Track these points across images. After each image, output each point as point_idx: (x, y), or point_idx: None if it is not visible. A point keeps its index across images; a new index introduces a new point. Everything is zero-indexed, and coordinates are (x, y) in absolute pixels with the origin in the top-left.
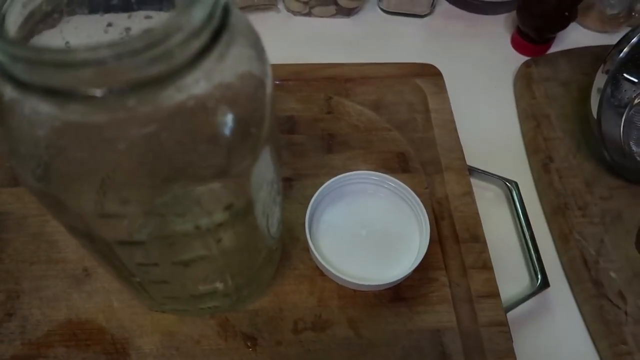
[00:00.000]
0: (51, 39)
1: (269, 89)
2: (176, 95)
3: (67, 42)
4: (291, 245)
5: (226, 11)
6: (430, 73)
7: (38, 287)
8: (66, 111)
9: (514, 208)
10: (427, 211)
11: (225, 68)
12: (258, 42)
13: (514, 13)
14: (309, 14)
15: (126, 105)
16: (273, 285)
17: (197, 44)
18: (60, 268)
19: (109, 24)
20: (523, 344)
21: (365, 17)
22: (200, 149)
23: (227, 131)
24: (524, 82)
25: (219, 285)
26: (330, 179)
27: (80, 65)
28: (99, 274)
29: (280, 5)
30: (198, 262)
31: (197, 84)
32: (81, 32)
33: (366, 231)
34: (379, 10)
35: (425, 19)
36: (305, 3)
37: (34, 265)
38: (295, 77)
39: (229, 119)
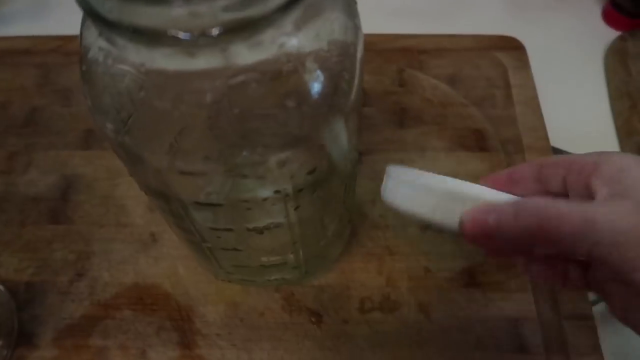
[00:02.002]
0: None
1: (359, 53)
2: (268, 47)
3: None
4: (359, 222)
5: None
6: (512, 46)
7: (107, 250)
8: (152, 56)
9: None
10: None
11: (318, 26)
12: (353, 5)
13: None
14: None
15: (214, 53)
16: (340, 261)
17: None
18: (128, 232)
19: None
20: (609, 341)
21: None
22: (288, 107)
23: (316, 91)
24: (617, 57)
25: (289, 257)
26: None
27: (173, 1)
28: (165, 240)
29: None
30: (272, 230)
31: (289, 39)
32: None
33: None
34: None
35: None
36: None
37: (103, 228)
38: (367, 48)
39: (319, 79)
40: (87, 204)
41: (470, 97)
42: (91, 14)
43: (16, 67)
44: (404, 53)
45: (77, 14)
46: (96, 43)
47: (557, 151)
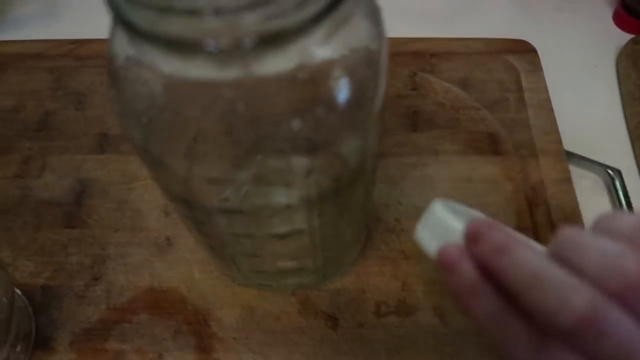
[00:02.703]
0: None
1: (384, 61)
2: (297, 56)
3: None
4: (373, 226)
5: None
6: (524, 49)
7: (123, 254)
8: (183, 66)
9: (616, 198)
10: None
11: (346, 34)
12: (378, 13)
13: None
14: None
15: (245, 63)
16: (355, 265)
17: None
18: (143, 236)
19: None
20: None
21: None
22: (315, 115)
23: (342, 100)
24: (630, 61)
25: (308, 262)
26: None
27: (208, 13)
28: (180, 244)
29: None
30: (293, 236)
31: (318, 48)
32: None
33: None
34: None
35: None
36: None
37: (118, 232)
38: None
39: (345, 87)
40: (102, 207)
41: (483, 100)
42: (123, 23)
43: (29, 71)
44: (416, 56)
45: (88, 18)
46: (125, 50)
47: (570, 155)
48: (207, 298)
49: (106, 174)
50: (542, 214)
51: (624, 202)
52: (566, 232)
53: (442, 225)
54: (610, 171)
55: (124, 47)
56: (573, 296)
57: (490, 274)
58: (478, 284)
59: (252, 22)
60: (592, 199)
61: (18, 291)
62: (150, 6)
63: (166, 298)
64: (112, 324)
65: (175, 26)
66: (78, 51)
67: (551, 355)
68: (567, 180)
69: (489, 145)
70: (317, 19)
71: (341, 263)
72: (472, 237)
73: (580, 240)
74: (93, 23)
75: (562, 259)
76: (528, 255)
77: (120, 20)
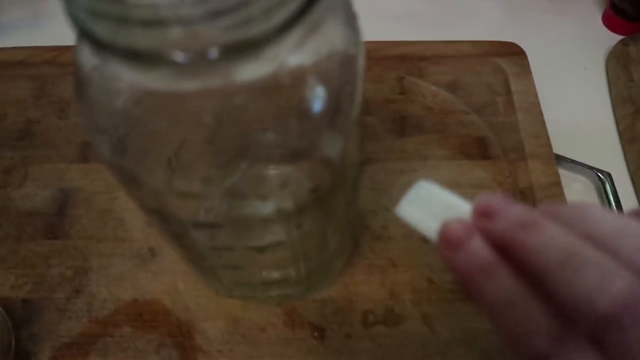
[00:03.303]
0: None
1: (360, 66)
2: (266, 65)
3: None
4: (360, 234)
5: None
6: (513, 52)
7: (105, 265)
8: (148, 78)
9: (606, 202)
10: None
11: (319, 40)
12: (354, 18)
13: None
14: None
15: (213, 72)
16: (342, 274)
17: (293, 6)
18: (126, 247)
19: None
20: None
21: None
22: (289, 125)
23: (317, 107)
24: (619, 62)
25: (291, 273)
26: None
27: (171, 23)
28: (164, 255)
29: None
30: (274, 248)
31: (290, 55)
32: None
33: None
34: None
35: None
36: None
37: (101, 243)
38: (366, 55)
39: (321, 94)
40: (84, 218)
41: (471, 104)
42: (85, 34)
43: (11, 79)
44: (404, 60)
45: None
46: (91, 61)
47: (559, 158)
48: (192, 310)
49: (89, 183)
50: None
51: (614, 205)
52: (590, 210)
53: (438, 201)
54: (600, 174)
55: (88, 57)
56: (614, 279)
57: (506, 253)
58: (492, 264)
59: (216, 32)
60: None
61: None
62: (108, 17)
63: (149, 310)
64: (94, 338)
65: (136, 37)
66: (61, 58)
67: (573, 349)
68: (557, 184)
69: (478, 149)
70: (285, 27)
71: (327, 273)
72: (488, 211)
73: (612, 221)
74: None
75: (594, 240)
76: (560, 231)
77: (79, 30)
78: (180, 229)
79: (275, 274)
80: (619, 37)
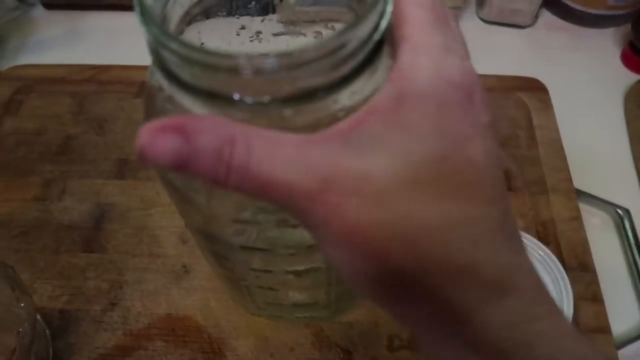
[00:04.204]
0: (190, 38)
1: None
2: (330, 106)
3: (202, 43)
4: None
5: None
6: (535, 87)
7: (140, 280)
8: (215, 111)
9: (625, 237)
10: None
11: (376, 79)
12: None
13: (623, 28)
14: None
15: (281, 114)
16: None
17: (361, 56)
18: (160, 262)
19: (242, 27)
20: None
21: (463, 27)
22: None
23: None
24: (637, 101)
25: (322, 297)
26: None
27: (251, 72)
28: (197, 272)
29: None
30: (311, 273)
31: (351, 96)
32: (216, 33)
33: None
34: (478, 19)
35: (527, 30)
36: None
37: (136, 258)
38: None
39: None
40: (120, 233)
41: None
42: (164, 71)
43: (51, 95)
44: None
45: (109, 43)
46: (160, 84)
47: (579, 193)
48: (223, 327)
49: (125, 199)
50: (553, 251)
51: (632, 241)
52: None
53: None
54: (619, 210)
55: (159, 81)
56: None
57: None
58: None
59: (287, 81)
60: (601, 237)
61: (39, 317)
62: (196, 63)
63: (182, 326)
64: (128, 351)
65: (213, 80)
66: (99, 76)
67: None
68: (577, 218)
69: None
70: (350, 78)
71: (354, 298)
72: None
73: None
74: (113, 48)
75: None
76: None
77: (163, 70)
78: (227, 251)
79: (306, 297)
80: (637, 76)
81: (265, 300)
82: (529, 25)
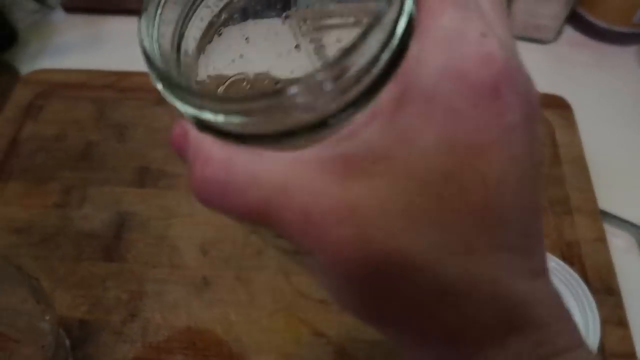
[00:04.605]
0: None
1: None
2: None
3: (247, 38)
4: None
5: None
6: (558, 104)
7: (160, 291)
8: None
9: None
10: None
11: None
12: None
13: None
14: None
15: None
16: None
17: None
18: (180, 274)
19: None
20: None
21: None
22: None
23: None
24: None
25: None
26: None
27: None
28: (217, 285)
29: None
30: None
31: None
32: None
33: None
34: None
35: (550, 45)
36: None
37: (156, 269)
38: None
39: None
40: (140, 242)
41: None
42: (197, 122)
43: (72, 100)
44: None
45: (129, 48)
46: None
47: (604, 213)
48: (244, 341)
49: (145, 208)
50: (577, 272)
51: None
52: None
53: None
54: None
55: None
56: None
57: None
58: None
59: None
60: (625, 259)
61: (61, 330)
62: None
63: (202, 339)
64: None
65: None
66: (120, 83)
67: None
68: (602, 240)
69: None
70: (357, 108)
71: None
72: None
73: None
74: (133, 53)
75: None
76: None
77: (197, 123)
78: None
79: None
80: None
81: None
82: (552, 41)
